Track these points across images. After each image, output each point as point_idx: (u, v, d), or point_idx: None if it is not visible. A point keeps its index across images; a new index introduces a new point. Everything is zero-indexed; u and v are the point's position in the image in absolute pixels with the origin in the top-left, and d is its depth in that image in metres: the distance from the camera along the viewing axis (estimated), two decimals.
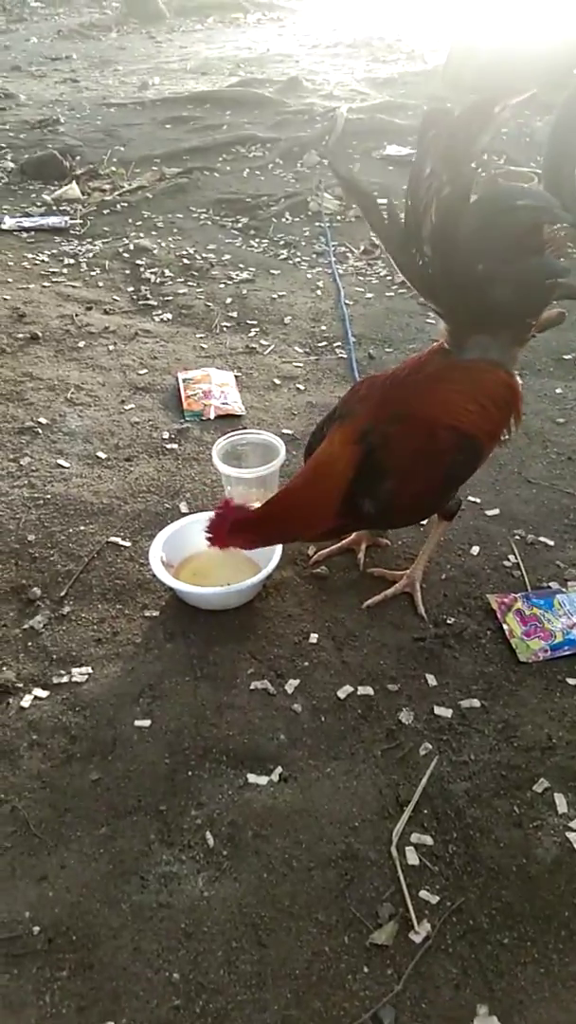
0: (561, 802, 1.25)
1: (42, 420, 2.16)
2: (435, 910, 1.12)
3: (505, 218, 1.34)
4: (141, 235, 3.47)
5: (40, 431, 2.12)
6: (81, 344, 2.57)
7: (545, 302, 1.42)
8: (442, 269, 1.36)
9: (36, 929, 1.09)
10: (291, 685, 1.45)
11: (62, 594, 1.63)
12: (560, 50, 5.21)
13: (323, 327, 2.75)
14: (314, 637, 1.55)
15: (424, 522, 1.80)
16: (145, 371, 2.45)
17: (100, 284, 3.03)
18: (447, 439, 1.41)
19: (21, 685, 1.44)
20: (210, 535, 1.43)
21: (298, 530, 1.48)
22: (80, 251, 3.31)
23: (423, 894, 1.13)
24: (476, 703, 1.42)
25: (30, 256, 3.24)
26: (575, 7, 5.26)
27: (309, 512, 1.43)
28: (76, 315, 2.74)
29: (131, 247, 3.32)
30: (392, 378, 1.50)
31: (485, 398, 1.42)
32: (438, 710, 1.40)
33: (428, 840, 1.20)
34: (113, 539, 1.77)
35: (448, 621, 1.59)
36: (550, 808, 1.24)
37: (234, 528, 1.41)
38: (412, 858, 1.18)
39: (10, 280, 3.01)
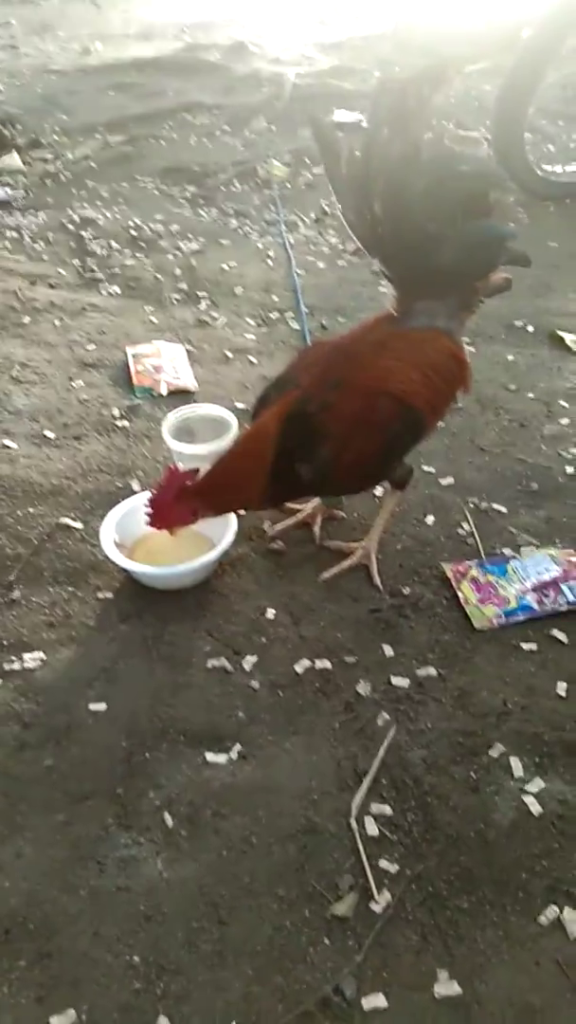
0: (516, 766, 1.26)
1: None
2: (395, 879, 1.12)
3: (452, 180, 1.34)
4: (86, 206, 3.38)
5: None
6: (26, 320, 2.50)
7: (491, 265, 1.42)
8: (391, 228, 1.36)
9: None
10: (249, 662, 1.44)
11: (11, 578, 1.59)
12: (507, 9, 5.17)
13: (275, 297, 2.71)
14: (271, 613, 1.54)
15: (378, 492, 1.79)
16: (93, 347, 2.39)
17: (45, 258, 2.94)
18: (386, 407, 1.41)
19: None
20: (152, 509, 1.41)
21: (234, 498, 1.47)
22: (23, 224, 3.20)
23: (383, 864, 1.14)
24: (432, 672, 1.42)
25: None
26: None
27: (242, 480, 1.42)
28: (20, 290, 2.66)
29: (76, 219, 3.23)
30: (337, 346, 1.49)
31: (428, 367, 1.41)
32: (395, 680, 1.40)
33: (387, 810, 1.21)
34: (64, 520, 1.73)
35: (404, 591, 1.59)
36: (506, 772, 1.25)
37: (180, 495, 1.40)
38: (371, 828, 1.18)
39: None
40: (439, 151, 1.37)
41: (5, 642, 1.46)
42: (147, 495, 1.67)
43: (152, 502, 1.41)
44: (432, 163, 1.33)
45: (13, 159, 3.78)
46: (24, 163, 3.80)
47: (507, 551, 1.68)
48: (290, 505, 1.76)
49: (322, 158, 1.43)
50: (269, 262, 2.96)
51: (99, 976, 1.02)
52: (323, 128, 1.42)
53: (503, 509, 1.79)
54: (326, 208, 3.35)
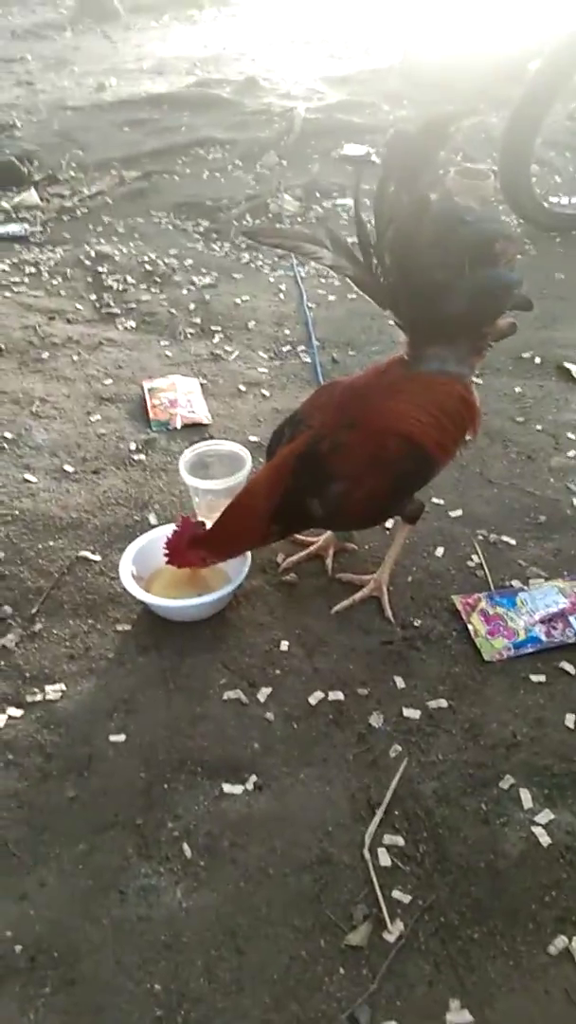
0: (526, 798, 1.29)
1: (7, 435, 2.16)
2: (407, 909, 1.15)
3: (460, 231, 1.40)
4: (102, 241, 3.46)
5: (5, 446, 2.12)
6: (45, 355, 2.57)
7: (499, 312, 1.48)
8: (400, 279, 1.42)
9: (18, 948, 1.11)
10: (263, 693, 1.48)
11: (33, 611, 1.64)
12: (514, 44, 5.27)
13: (287, 331, 2.77)
14: (285, 644, 1.58)
15: (389, 525, 1.83)
16: (110, 381, 2.46)
17: (62, 293, 3.02)
18: (397, 447, 1.46)
19: None
20: (168, 552, 1.51)
21: (237, 547, 1.58)
22: (41, 259, 3.29)
23: (395, 894, 1.17)
24: (443, 703, 1.46)
25: None
26: (529, 3, 5.32)
27: (242, 533, 1.53)
28: (39, 326, 2.73)
29: (92, 254, 3.31)
30: (350, 387, 1.55)
31: (438, 410, 1.47)
32: (407, 712, 1.44)
33: (399, 841, 1.24)
34: (83, 554, 1.78)
35: (415, 623, 1.63)
36: (516, 804, 1.29)
37: (191, 543, 1.50)
38: (384, 859, 1.21)
39: None
40: (446, 204, 1.42)
41: (28, 674, 1.51)
42: (164, 529, 1.73)
43: (167, 546, 1.52)
44: (440, 215, 1.38)
45: (31, 195, 3.88)
46: (41, 199, 3.90)
47: (516, 583, 1.71)
48: (302, 537, 1.81)
49: (296, 252, 1.53)
50: (281, 296, 3.02)
51: (122, 1003, 1.05)
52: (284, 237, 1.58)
53: (512, 541, 1.83)
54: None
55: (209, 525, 1.54)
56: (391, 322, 1.52)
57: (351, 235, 1.46)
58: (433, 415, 1.46)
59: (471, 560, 1.78)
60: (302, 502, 1.48)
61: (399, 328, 1.52)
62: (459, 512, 1.91)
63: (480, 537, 1.84)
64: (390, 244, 1.38)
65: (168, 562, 1.54)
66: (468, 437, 1.57)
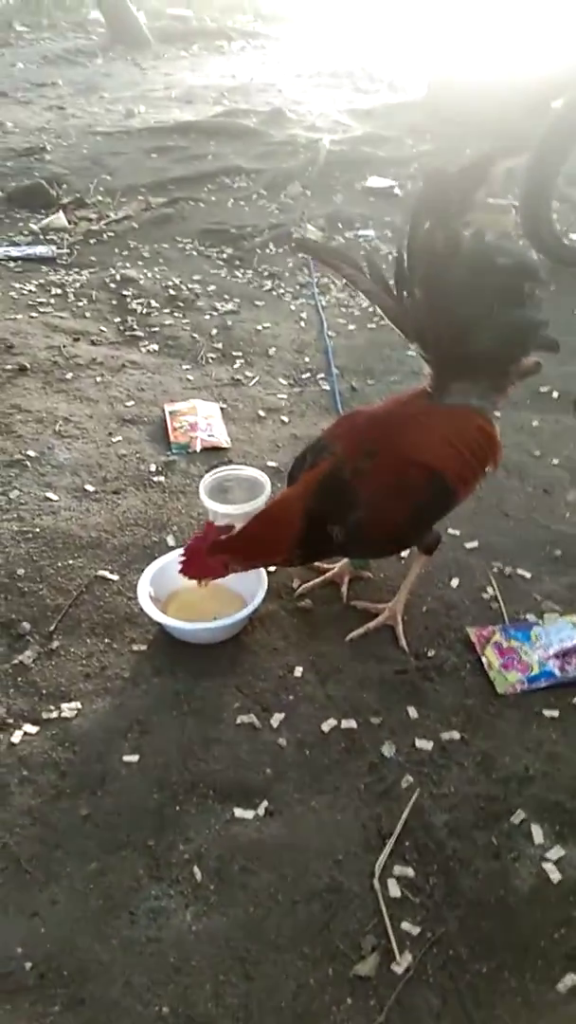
0: (537, 833, 1.29)
1: (31, 453, 2.20)
2: (416, 941, 1.15)
3: (490, 272, 1.43)
4: (127, 265, 3.53)
5: (29, 464, 2.16)
6: (69, 376, 2.61)
7: (525, 352, 1.50)
8: (429, 315, 1.45)
9: (28, 965, 1.12)
10: (276, 719, 1.49)
11: (51, 628, 1.66)
12: (537, 80, 5.36)
13: (307, 358, 2.81)
14: (299, 671, 1.59)
15: (404, 554, 1.85)
16: (132, 403, 2.49)
17: (87, 315, 3.08)
18: (417, 478, 1.48)
19: (11, 721, 1.47)
20: (186, 558, 1.49)
21: (263, 555, 1.55)
22: (67, 281, 3.35)
23: (405, 925, 1.17)
24: (456, 735, 1.46)
25: (17, 286, 3.28)
26: (550, 38, 5.41)
27: (271, 540, 1.51)
28: (64, 346, 2.78)
29: (117, 277, 3.37)
30: (372, 416, 1.57)
31: (460, 442, 1.49)
32: (419, 743, 1.44)
33: (410, 872, 1.24)
34: (101, 573, 1.81)
35: (429, 654, 1.63)
36: (527, 839, 1.29)
37: (213, 548, 1.48)
38: (394, 890, 1.21)
39: None
40: (479, 243, 1.44)
41: (44, 691, 1.53)
42: (182, 549, 1.75)
43: (187, 551, 1.50)
44: (471, 255, 1.41)
45: (59, 218, 3.96)
46: (69, 222, 3.98)
47: (530, 617, 1.72)
48: (318, 564, 1.83)
49: (341, 273, 1.55)
50: (301, 323, 3.07)
51: None
52: (327, 251, 1.57)
53: (527, 574, 1.84)
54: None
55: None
56: (410, 352, 1.55)
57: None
58: (454, 447, 1.48)
59: (486, 592, 1.79)
60: (323, 528, 1.50)
61: (424, 361, 1.54)
62: (475, 544, 1.92)
63: (495, 569, 1.85)
64: (421, 280, 1.41)
65: (183, 570, 1.49)
66: (488, 470, 1.59)
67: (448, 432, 1.50)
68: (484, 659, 1.60)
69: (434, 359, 1.52)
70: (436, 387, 1.53)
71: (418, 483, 1.49)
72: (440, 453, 1.48)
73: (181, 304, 3.18)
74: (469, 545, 1.92)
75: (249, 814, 1.32)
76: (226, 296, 3.26)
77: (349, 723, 1.48)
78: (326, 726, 1.47)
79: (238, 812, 1.32)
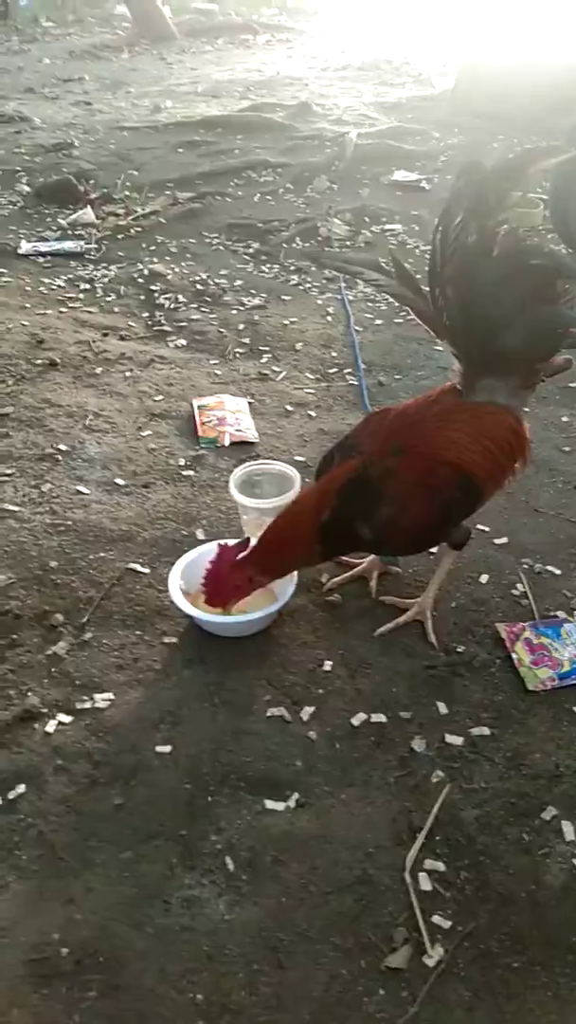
0: (568, 830, 1.29)
1: (62, 447, 2.22)
2: (447, 935, 1.16)
3: (523, 271, 1.43)
4: (155, 260, 3.54)
5: (60, 458, 2.18)
6: (98, 370, 2.63)
7: (555, 349, 1.50)
8: (460, 312, 1.45)
9: (64, 951, 1.13)
10: (306, 712, 1.50)
11: (84, 620, 1.68)
12: (565, 74, 5.31)
13: (334, 353, 2.81)
14: (328, 664, 1.60)
15: (434, 550, 1.85)
16: (161, 397, 2.51)
17: (116, 310, 3.10)
18: (445, 475, 1.49)
19: (46, 710, 1.49)
20: (208, 585, 1.53)
21: (285, 562, 1.58)
22: (96, 276, 3.38)
23: (436, 919, 1.18)
24: (486, 731, 1.46)
25: (47, 281, 3.31)
26: None
27: (291, 546, 1.54)
28: (93, 341, 2.81)
29: (145, 272, 3.39)
30: (400, 414, 1.57)
31: (488, 440, 1.49)
32: (449, 738, 1.45)
33: (440, 866, 1.24)
34: (132, 566, 1.83)
35: (458, 649, 1.63)
36: (558, 835, 1.29)
37: (235, 567, 1.51)
38: (425, 884, 1.22)
39: (28, 305, 3.08)
40: (512, 243, 1.43)
41: (78, 681, 1.55)
42: (212, 545, 1.76)
43: (207, 578, 1.53)
44: (505, 254, 1.41)
45: (87, 213, 3.98)
46: (97, 217, 4.01)
47: (561, 613, 1.71)
48: (347, 559, 1.83)
49: (363, 279, 1.56)
50: (328, 318, 3.07)
51: (164, 1012, 1.07)
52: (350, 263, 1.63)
53: (557, 571, 1.83)
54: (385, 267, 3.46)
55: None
56: (438, 348, 1.55)
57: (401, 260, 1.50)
58: (483, 444, 1.48)
59: (515, 589, 1.79)
60: (351, 525, 1.50)
61: (455, 358, 1.54)
62: (504, 540, 1.92)
63: (525, 566, 1.84)
64: (452, 278, 1.41)
65: (210, 601, 1.55)
66: (517, 467, 1.58)
67: (477, 430, 1.50)
68: (514, 655, 1.60)
69: (464, 356, 1.52)
70: (465, 384, 1.53)
71: (445, 481, 1.49)
72: (468, 451, 1.48)
73: (208, 299, 3.19)
74: (499, 541, 1.92)
75: (280, 806, 1.33)
76: (253, 291, 3.27)
77: (379, 717, 1.49)
78: (356, 720, 1.48)
79: (269, 804, 1.33)
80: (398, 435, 1.52)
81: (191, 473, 2.16)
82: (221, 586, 1.53)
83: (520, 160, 1.41)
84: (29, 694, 1.52)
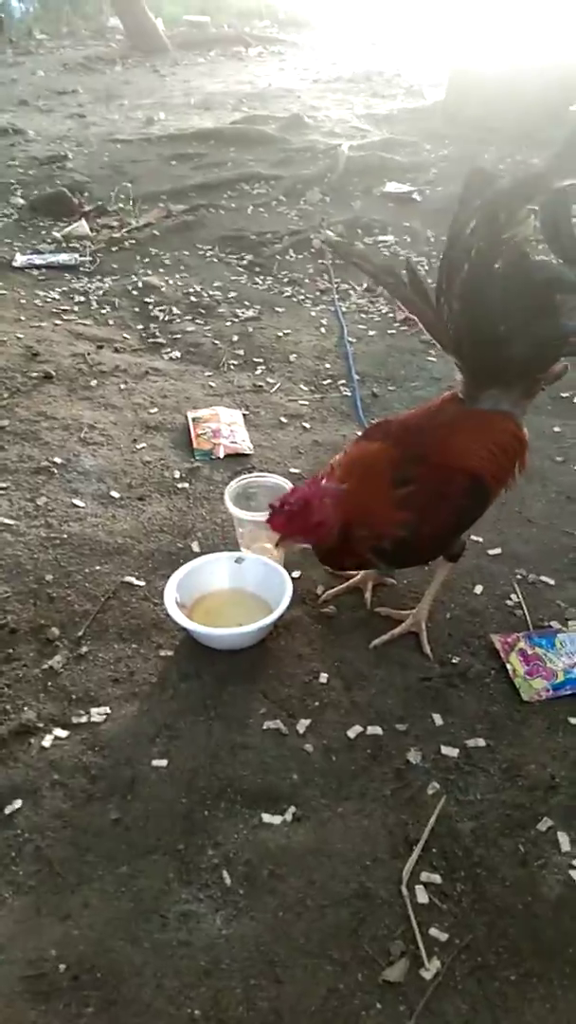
0: (564, 841, 1.30)
1: (57, 460, 2.23)
2: (444, 947, 1.16)
3: (526, 287, 1.44)
4: (149, 272, 3.56)
5: (55, 471, 2.18)
6: (93, 383, 2.64)
7: (556, 359, 1.52)
8: (468, 326, 1.48)
9: (62, 967, 1.13)
10: (302, 725, 1.50)
11: (79, 634, 1.68)
12: (556, 85, 5.35)
13: (327, 365, 2.83)
14: (324, 677, 1.60)
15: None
16: (156, 410, 2.52)
17: (110, 322, 3.11)
18: (461, 483, 1.51)
19: (42, 725, 1.49)
20: (292, 508, 1.45)
21: (368, 510, 1.49)
22: (90, 288, 3.39)
23: (433, 932, 1.18)
24: (481, 742, 1.47)
25: (41, 294, 3.32)
26: (568, 44, 5.40)
27: (375, 507, 1.48)
28: (88, 354, 2.81)
29: (139, 284, 3.40)
30: (406, 424, 1.58)
31: (495, 446, 1.52)
32: (445, 750, 1.45)
33: (437, 879, 1.25)
34: (128, 579, 1.83)
35: (453, 660, 1.64)
36: (554, 847, 1.29)
37: (325, 503, 1.44)
38: (422, 896, 1.22)
39: (23, 318, 3.09)
40: (518, 257, 1.44)
41: (74, 696, 1.55)
42: (208, 558, 1.76)
43: (291, 502, 1.45)
44: (511, 270, 1.42)
45: (81, 226, 4.00)
46: (91, 229, 4.02)
47: (555, 624, 1.72)
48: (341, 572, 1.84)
49: (373, 278, 1.56)
50: (322, 330, 3.08)
51: None
52: (365, 257, 1.57)
53: (551, 581, 1.84)
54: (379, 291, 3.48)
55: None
56: (431, 359, 1.56)
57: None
58: (491, 451, 1.51)
59: (510, 599, 1.79)
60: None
61: (457, 368, 1.56)
62: (498, 551, 1.93)
63: (519, 576, 1.85)
64: (460, 292, 1.44)
65: (284, 524, 1.46)
66: (517, 472, 1.60)
67: (484, 436, 1.53)
68: (509, 666, 1.60)
69: (468, 367, 1.54)
70: (469, 393, 1.56)
71: (462, 488, 1.51)
72: (480, 457, 1.51)
73: (203, 311, 3.21)
74: (492, 552, 1.93)
75: (277, 819, 1.33)
76: (247, 303, 3.28)
77: (375, 729, 1.49)
78: (352, 732, 1.49)
79: (266, 817, 1.33)
80: (411, 444, 1.52)
81: (186, 485, 2.16)
82: (307, 514, 1.45)
83: (533, 179, 1.43)
84: (25, 708, 1.52)
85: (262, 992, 1.11)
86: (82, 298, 3.29)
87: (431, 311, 1.50)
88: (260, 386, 2.68)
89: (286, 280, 3.52)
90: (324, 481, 1.50)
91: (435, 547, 1.62)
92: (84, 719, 1.50)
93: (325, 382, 2.72)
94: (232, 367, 2.81)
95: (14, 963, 1.14)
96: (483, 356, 1.51)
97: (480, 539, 1.96)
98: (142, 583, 1.82)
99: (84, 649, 1.65)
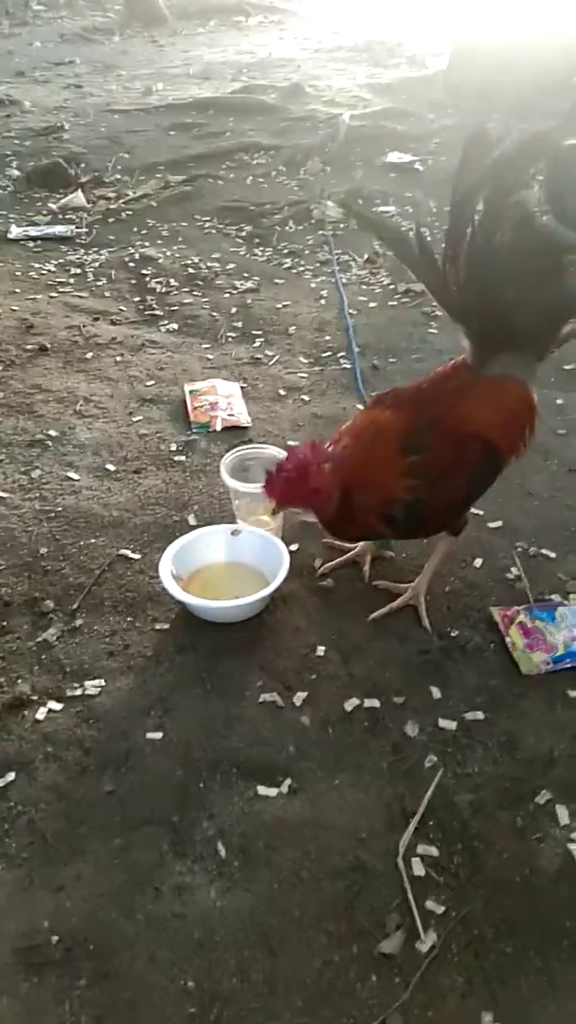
0: (563, 814, 1.28)
1: (52, 432, 2.20)
2: (441, 920, 1.15)
3: (537, 249, 1.40)
4: (146, 244, 3.51)
5: (50, 444, 2.16)
6: (89, 355, 2.60)
7: (565, 322, 1.49)
8: (476, 293, 1.44)
9: (55, 939, 1.12)
10: (299, 697, 1.48)
11: (74, 607, 1.66)
12: (559, 56, 5.24)
13: (327, 337, 2.78)
14: (321, 650, 1.58)
15: None
16: (152, 382, 2.48)
17: (107, 294, 3.07)
18: (475, 451, 1.49)
19: (36, 698, 1.47)
20: (287, 475, 1.42)
21: (368, 479, 1.47)
22: (86, 260, 3.34)
23: (429, 904, 1.17)
24: (480, 715, 1.45)
25: (37, 266, 3.28)
26: (572, 14, 5.29)
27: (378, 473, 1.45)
28: (83, 326, 2.77)
29: (136, 256, 3.35)
30: (418, 391, 1.55)
31: (508, 413, 1.50)
32: (442, 722, 1.44)
33: (433, 851, 1.24)
34: (123, 552, 1.81)
35: (452, 633, 1.62)
36: (552, 820, 1.28)
37: (322, 470, 1.41)
38: (418, 869, 1.21)
39: (18, 290, 3.04)
40: (523, 221, 1.39)
41: (68, 668, 1.53)
42: (204, 531, 1.74)
43: (287, 469, 1.41)
44: (518, 234, 1.38)
45: (78, 197, 3.94)
46: (88, 201, 3.96)
47: (555, 597, 1.70)
48: (340, 543, 1.82)
49: (384, 241, 1.52)
50: (322, 302, 3.04)
51: (155, 999, 1.06)
52: (377, 221, 1.52)
53: (552, 554, 1.81)
54: (378, 249, 3.42)
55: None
56: (433, 331, 1.53)
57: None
58: (504, 417, 1.49)
59: (510, 572, 1.77)
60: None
61: (465, 336, 1.53)
62: (498, 523, 1.90)
63: (519, 549, 1.83)
64: (467, 259, 1.40)
65: (280, 491, 1.42)
66: (527, 439, 1.57)
67: (497, 403, 1.50)
68: (508, 639, 1.58)
69: (477, 334, 1.51)
70: (478, 360, 1.53)
71: (476, 455, 1.49)
72: (493, 424, 1.49)
73: (200, 283, 3.16)
74: (493, 525, 1.90)
75: (272, 792, 1.32)
76: (245, 274, 3.23)
77: (372, 702, 1.47)
78: (349, 705, 1.47)
79: (261, 790, 1.32)
80: (424, 412, 1.49)
81: (182, 458, 2.13)
82: (302, 482, 1.42)
83: (538, 139, 1.39)
84: (19, 681, 1.50)
85: (256, 964, 1.10)
86: (78, 270, 3.25)
87: (438, 279, 1.46)
88: (258, 358, 2.64)
89: (285, 251, 3.46)
90: (327, 447, 1.46)
91: (447, 516, 1.59)
92: (78, 692, 1.49)
93: (325, 354, 2.68)
94: (230, 339, 2.76)
95: (6, 935, 1.13)
96: (492, 322, 1.47)
97: (480, 512, 1.93)
98: (137, 556, 1.80)
99: (79, 622, 1.63)
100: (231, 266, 3.31)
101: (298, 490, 1.43)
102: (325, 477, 1.42)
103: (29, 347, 2.61)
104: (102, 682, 1.51)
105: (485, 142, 1.43)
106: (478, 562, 1.80)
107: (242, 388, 2.45)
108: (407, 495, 1.44)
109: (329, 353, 2.68)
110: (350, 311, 2.94)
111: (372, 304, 3.02)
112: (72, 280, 3.17)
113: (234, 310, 2.94)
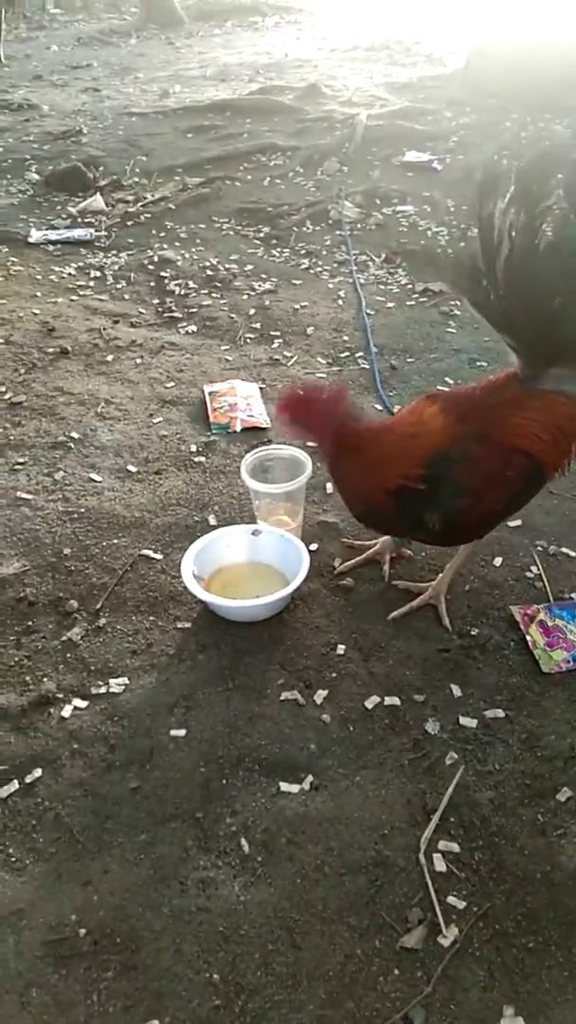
0: None
1: (74, 435, 2.23)
2: (462, 915, 1.16)
3: (572, 259, 1.39)
4: (165, 246, 3.53)
5: (72, 446, 2.19)
6: (109, 358, 2.63)
7: None
8: (519, 305, 1.44)
9: (82, 931, 1.15)
10: (320, 695, 1.50)
11: (98, 606, 1.69)
12: None
13: (345, 337, 2.80)
14: (341, 648, 1.60)
15: None
16: (172, 384, 2.51)
17: (126, 297, 3.09)
18: (520, 465, 1.47)
19: (61, 696, 1.50)
20: (298, 400, 1.45)
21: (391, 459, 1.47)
22: (106, 263, 3.37)
23: (451, 900, 1.18)
24: (500, 713, 1.46)
25: (57, 269, 3.31)
26: None
27: (400, 455, 1.45)
28: (104, 328, 2.80)
29: (155, 259, 3.38)
30: (469, 398, 1.54)
31: (556, 430, 1.47)
32: (463, 720, 1.45)
33: (455, 847, 1.25)
34: (145, 552, 1.83)
35: (472, 632, 1.63)
36: (573, 817, 1.28)
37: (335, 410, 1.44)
38: (440, 865, 1.22)
39: (39, 294, 3.08)
40: (559, 230, 1.39)
41: (93, 667, 1.56)
42: (224, 531, 1.75)
43: (300, 397, 1.46)
44: (554, 243, 1.38)
45: (97, 200, 3.97)
46: (106, 204, 4.00)
47: (575, 596, 1.70)
48: (360, 542, 1.83)
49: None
50: (339, 302, 3.05)
51: (181, 991, 1.08)
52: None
53: (572, 553, 1.82)
54: (396, 249, 3.43)
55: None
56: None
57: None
58: (552, 435, 1.47)
59: (530, 571, 1.78)
60: (422, 518, 1.48)
61: (512, 351, 1.52)
62: (518, 522, 1.90)
63: (539, 548, 1.83)
64: (506, 272, 1.40)
65: (288, 404, 1.46)
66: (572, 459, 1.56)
67: (547, 418, 1.47)
68: (528, 638, 1.59)
69: (526, 347, 1.50)
70: (527, 372, 1.51)
71: (519, 471, 1.48)
72: (540, 440, 1.47)
73: (219, 284, 3.18)
74: (513, 524, 1.90)
75: (294, 788, 1.33)
76: (263, 275, 3.25)
77: (392, 700, 1.49)
78: (369, 703, 1.48)
79: (284, 786, 1.34)
80: (473, 420, 1.47)
81: (203, 459, 2.16)
82: (313, 406, 1.45)
83: (558, 146, 1.39)
84: (44, 679, 1.53)
85: (280, 957, 1.12)
86: (98, 273, 3.28)
87: (480, 293, 1.45)
88: (277, 359, 2.65)
89: (303, 252, 3.48)
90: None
91: (483, 526, 1.59)
92: (103, 690, 1.51)
93: (343, 355, 2.69)
94: (249, 340, 2.78)
95: (36, 928, 1.16)
96: (539, 336, 1.45)
97: None
98: (159, 556, 1.82)
99: (102, 621, 1.65)
100: (249, 267, 3.32)
101: (304, 410, 1.46)
102: (337, 412, 1.44)
103: (51, 350, 2.65)
104: (126, 680, 1.53)
105: (496, 177, 1.43)
106: (498, 561, 1.80)
107: (261, 389, 2.46)
108: (419, 484, 1.43)
109: (347, 353, 2.69)
110: (368, 311, 2.95)
111: (390, 304, 3.03)
112: (92, 283, 3.20)
113: (252, 311, 2.96)
